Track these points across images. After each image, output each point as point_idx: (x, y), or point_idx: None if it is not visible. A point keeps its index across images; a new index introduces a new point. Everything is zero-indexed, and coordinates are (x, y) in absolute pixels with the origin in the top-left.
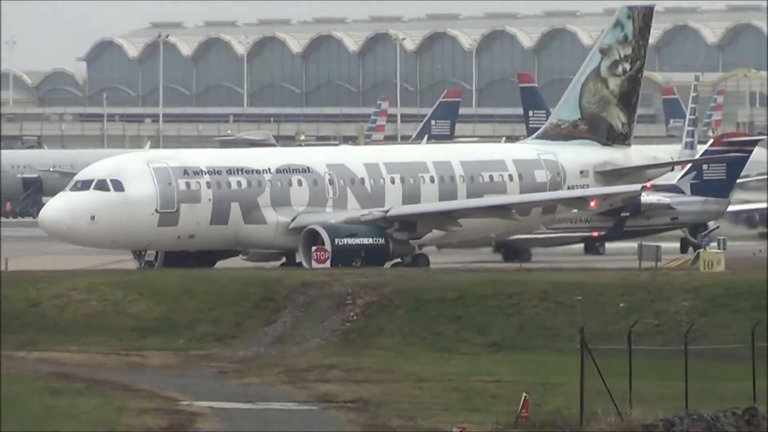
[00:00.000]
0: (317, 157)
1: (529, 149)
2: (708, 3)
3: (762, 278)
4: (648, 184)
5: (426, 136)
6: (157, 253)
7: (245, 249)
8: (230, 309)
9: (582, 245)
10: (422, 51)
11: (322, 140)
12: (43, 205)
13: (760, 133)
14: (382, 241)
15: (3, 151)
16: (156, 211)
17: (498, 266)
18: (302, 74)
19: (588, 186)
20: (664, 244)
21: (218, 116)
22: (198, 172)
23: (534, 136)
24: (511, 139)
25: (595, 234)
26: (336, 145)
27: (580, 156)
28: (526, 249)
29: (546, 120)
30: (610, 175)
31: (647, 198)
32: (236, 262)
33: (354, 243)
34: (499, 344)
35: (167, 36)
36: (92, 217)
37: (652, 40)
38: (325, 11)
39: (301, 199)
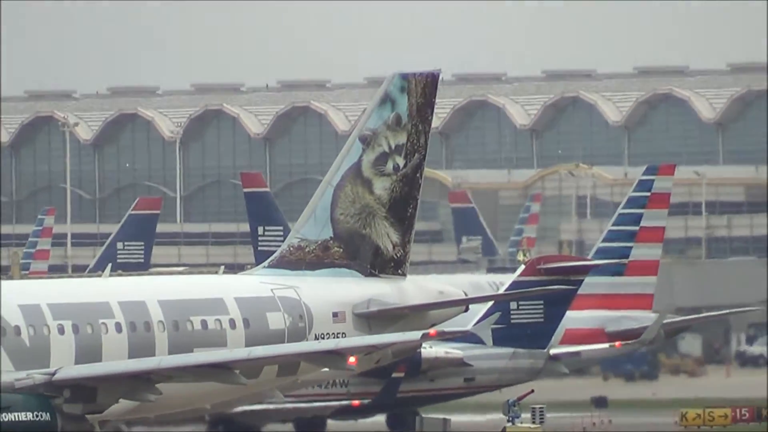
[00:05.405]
0: None
1: (258, 283)
2: (519, 67)
3: None
4: (431, 331)
5: (109, 266)
6: None
7: None
8: None
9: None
10: (103, 141)
11: None
12: None
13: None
14: (46, 416)
15: None
16: None
17: None
18: None
19: (344, 335)
20: (454, 417)
21: None
22: None
23: (266, 263)
24: (233, 268)
25: (355, 403)
26: None
27: (333, 292)
28: (256, 425)
29: (283, 240)
30: (376, 318)
31: (431, 351)
32: None
33: (4, 421)
34: None
35: None
36: None
37: (436, 122)
38: None
39: None
